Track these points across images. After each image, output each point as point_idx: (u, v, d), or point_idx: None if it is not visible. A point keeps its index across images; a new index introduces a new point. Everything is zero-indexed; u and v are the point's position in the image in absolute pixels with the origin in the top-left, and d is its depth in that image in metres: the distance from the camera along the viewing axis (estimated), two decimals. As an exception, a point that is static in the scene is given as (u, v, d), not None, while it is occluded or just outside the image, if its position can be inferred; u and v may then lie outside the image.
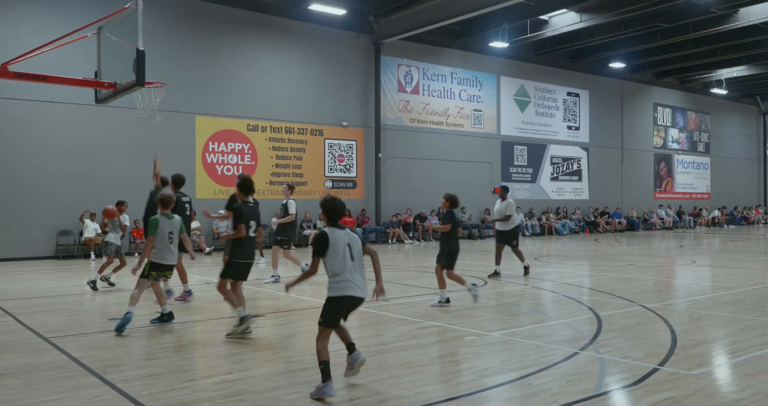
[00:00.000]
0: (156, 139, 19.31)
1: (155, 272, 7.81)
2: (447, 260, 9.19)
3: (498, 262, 12.70)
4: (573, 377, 5.46)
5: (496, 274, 12.46)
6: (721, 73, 33.61)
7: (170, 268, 7.98)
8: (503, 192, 13.04)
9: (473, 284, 9.30)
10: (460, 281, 9.19)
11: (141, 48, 8.48)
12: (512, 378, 5.47)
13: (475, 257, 17.82)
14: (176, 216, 8.03)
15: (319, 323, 5.08)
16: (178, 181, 10.42)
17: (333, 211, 5.17)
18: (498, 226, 12.88)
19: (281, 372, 5.72)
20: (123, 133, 18.90)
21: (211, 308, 9.25)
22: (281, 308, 9.30)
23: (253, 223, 7.38)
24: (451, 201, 9.27)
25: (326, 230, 5.12)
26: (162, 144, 19.59)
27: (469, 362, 6.08)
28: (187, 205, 10.32)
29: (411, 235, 24.29)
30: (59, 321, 8.31)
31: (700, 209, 36.34)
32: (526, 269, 12.64)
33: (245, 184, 7.45)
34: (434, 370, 5.75)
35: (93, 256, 17.87)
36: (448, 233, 9.22)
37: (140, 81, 8.63)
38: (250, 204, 7.54)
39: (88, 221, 18.07)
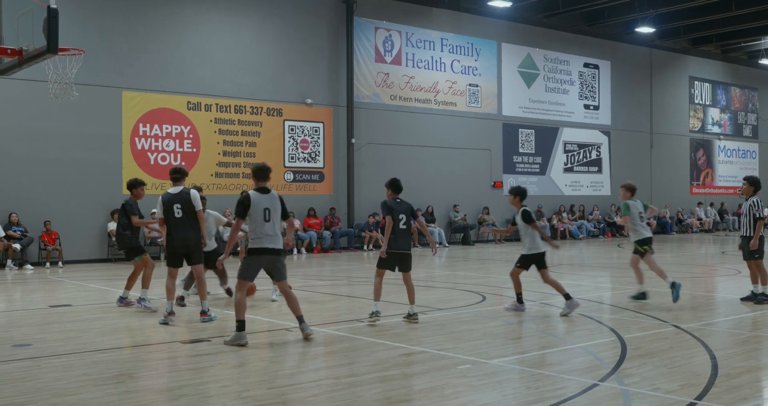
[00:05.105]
0: (72, 119, 19.10)
1: None
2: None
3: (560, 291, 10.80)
4: (591, 414, 5.51)
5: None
6: (771, 40, 34.08)
7: None
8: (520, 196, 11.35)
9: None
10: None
11: (53, 6, 8.37)
12: (517, 416, 5.51)
13: (472, 268, 17.86)
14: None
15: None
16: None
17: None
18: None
19: (231, 411, 5.70)
20: (31, 112, 18.65)
21: (145, 330, 9.17)
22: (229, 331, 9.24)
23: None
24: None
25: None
26: (80, 125, 19.42)
27: (463, 396, 6.10)
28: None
29: (392, 239, 24.27)
30: (-50, 349, 8.19)
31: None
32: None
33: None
34: (421, 406, 5.77)
35: (-7, 267, 17.55)
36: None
37: (52, 47, 8.51)
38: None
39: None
